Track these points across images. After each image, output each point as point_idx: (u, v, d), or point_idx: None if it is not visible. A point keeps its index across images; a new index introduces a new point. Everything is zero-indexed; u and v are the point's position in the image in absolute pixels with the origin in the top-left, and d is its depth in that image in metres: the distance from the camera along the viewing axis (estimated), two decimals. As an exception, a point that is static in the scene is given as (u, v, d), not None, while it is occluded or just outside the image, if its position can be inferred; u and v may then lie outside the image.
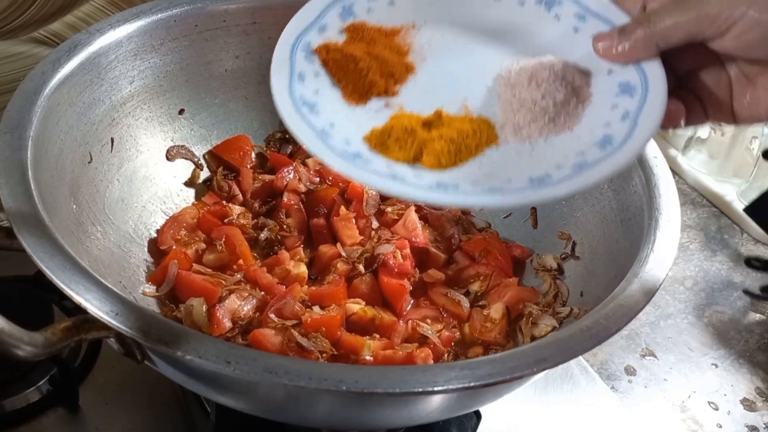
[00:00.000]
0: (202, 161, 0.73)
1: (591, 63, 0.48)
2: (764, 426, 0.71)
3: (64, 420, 0.59)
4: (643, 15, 0.45)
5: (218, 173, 0.73)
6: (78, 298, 0.42)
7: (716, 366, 0.76)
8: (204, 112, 0.73)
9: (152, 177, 0.68)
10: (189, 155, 0.72)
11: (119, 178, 0.64)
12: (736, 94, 0.46)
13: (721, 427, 0.70)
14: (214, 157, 0.74)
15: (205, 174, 0.74)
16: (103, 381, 0.62)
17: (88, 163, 0.60)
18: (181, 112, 0.71)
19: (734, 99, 0.46)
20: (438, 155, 0.44)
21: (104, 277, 0.44)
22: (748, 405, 0.73)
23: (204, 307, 0.59)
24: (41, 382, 0.59)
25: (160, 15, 0.65)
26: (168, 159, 0.70)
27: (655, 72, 0.45)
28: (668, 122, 0.45)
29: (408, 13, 0.53)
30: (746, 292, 0.84)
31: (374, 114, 0.48)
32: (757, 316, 0.82)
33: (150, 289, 0.61)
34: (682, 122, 0.46)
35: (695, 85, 0.47)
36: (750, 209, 0.81)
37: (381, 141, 0.45)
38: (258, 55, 0.72)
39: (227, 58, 0.72)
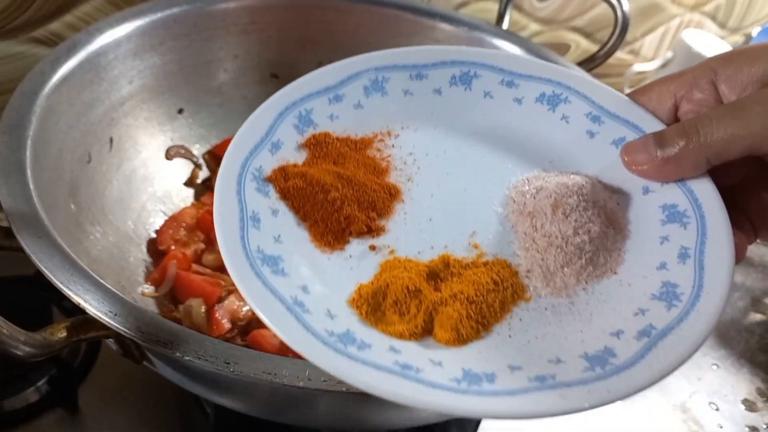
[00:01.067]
0: (202, 161, 0.73)
1: (618, 179, 0.39)
2: (765, 426, 0.71)
3: (63, 420, 0.59)
4: (688, 123, 0.36)
5: (218, 173, 0.72)
6: (77, 299, 0.41)
7: (717, 366, 0.76)
8: (203, 112, 0.73)
9: (151, 177, 0.68)
10: (188, 155, 0.72)
11: (118, 178, 0.64)
12: None
13: (722, 427, 0.70)
14: (213, 156, 0.74)
15: (204, 174, 0.73)
16: (102, 382, 0.62)
17: (88, 163, 0.60)
18: (180, 111, 0.71)
19: None
20: (456, 325, 0.33)
21: (103, 277, 0.44)
22: (749, 405, 0.72)
23: (203, 307, 0.59)
24: (40, 383, 0.59)
25: (159, 14, 0.65)
26: (167, 159, 0.70)
27: (708, 194, 0.36)
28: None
29: (381, 117, 0.43)
30: None
31: (357, 263, 0.36)
32: (758, 317, 0.82)
33: (149, 289, 0.61)
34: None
35: (742, 199, 0.39)
36: None
37: (374, 306, 0.34)
38: (257, 54, 0.72)
39: (226, 57, 0.72)
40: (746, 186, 0.39)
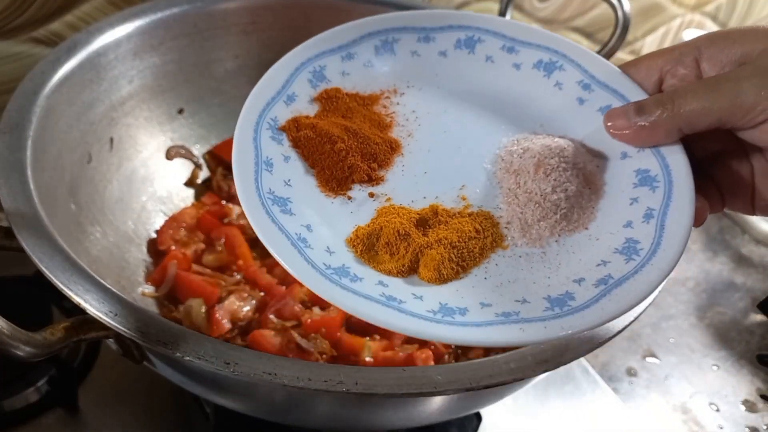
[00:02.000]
0: (202, 161, 0.73)
1: (601, 143, 0.42)
2: (765, 427, 0.71)
3: (63, 420, 0.59)
4: (665, 95, 0.39)
5: (218, 173, 0.72)
6: (77, 299, 0.41)
7: (717, 367, 0.76)
8: (203, 112, 0.73)
9: (151, 177, 0.68)
10: (188, 155, 0.72)
11: (118, 177, 0.64)
12: (759, 185, 0.41)
13: (722, 428, 0.70)
14: (213, 156, 0.74)
15: (204, 174, 0.73)
16: (102, 382, 0.62)
17: (88, 162, 0.60)
18: (180, 111, 0.71)
19: (756, 190, 0.41)
20: (438, 266, 0.37)
21: (103, 277, 0.44)
22: (749, 406, 0.72)
23: (203, 307, 0.59)
24: (40, 383, 0.59)
25: (159, 14, 0.65)
26: (167, 159, 0.70)
27: (678, 162, 0.39)
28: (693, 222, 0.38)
29: (388, 76, 0.46)
30: None
31: (357, 208, 0.40)
32: (758, 317, 0.82)
33: (149, 289, 0.61)
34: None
35: (713, 172, 0.42)
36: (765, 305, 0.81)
37: (368, 246, 0.38)
38: (257, 54, 0.72)
39: (226, 57, 0.72)
40: (718, 158, 0.42)
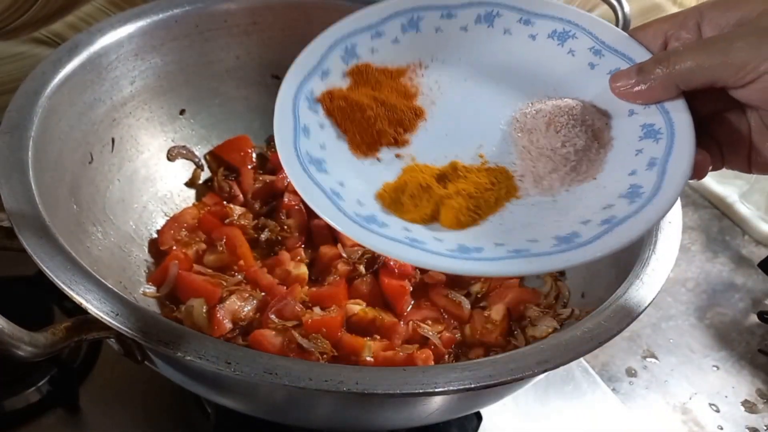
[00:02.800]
0: (203, 162, 0.73)
1: (610, 103, 0.45)
2: (765, 428, 0.71)
3: (64, 420, 0.59)
4: (663, 54, 0.42)
5: (219, 174, 0.73)
6: (78, 299, 0.42)
7: (717, 368, 0.76)
8: (204, 113, 0.73)
9: (153, 177, 0.68)
10: (190, 155, 0.72)
11: (120, 178, 0.64)
12: (755, 143, 0.43)
13: (722, 429, 0.70)
14: (214, 157, 0.74)
15: (205, 174, 0.73)
16: (103, 382, 0.62)
17: (89, 163, 0.60)
18: (181, 112, 0.71)
19: (753, 148, 0.43)
20: (456, 214, 0.42)
21: (104, 277, 0.44)
22: (749, 407, 0.72)
23: (204, 307, 0.59)
24: (41, 383, 0.59)
25: (160, 15, 0.65)
26: (169, 159, 0.70)
27: (681, 116, 0.42)
28: (695, 173, 0.41)
29: (414, 51, 0.50)
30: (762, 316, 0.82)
31: (385, 167, 0.45)
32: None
33: (150, 289, 0.61)
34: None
35: (714, 129, 0.44)
36: (765, 264, 0.81)
37: (394, 199, 0.43)
38: (258, 55, 0.72)
39: (228, 58, 0.72)
40: (719, 117, 0.44)
